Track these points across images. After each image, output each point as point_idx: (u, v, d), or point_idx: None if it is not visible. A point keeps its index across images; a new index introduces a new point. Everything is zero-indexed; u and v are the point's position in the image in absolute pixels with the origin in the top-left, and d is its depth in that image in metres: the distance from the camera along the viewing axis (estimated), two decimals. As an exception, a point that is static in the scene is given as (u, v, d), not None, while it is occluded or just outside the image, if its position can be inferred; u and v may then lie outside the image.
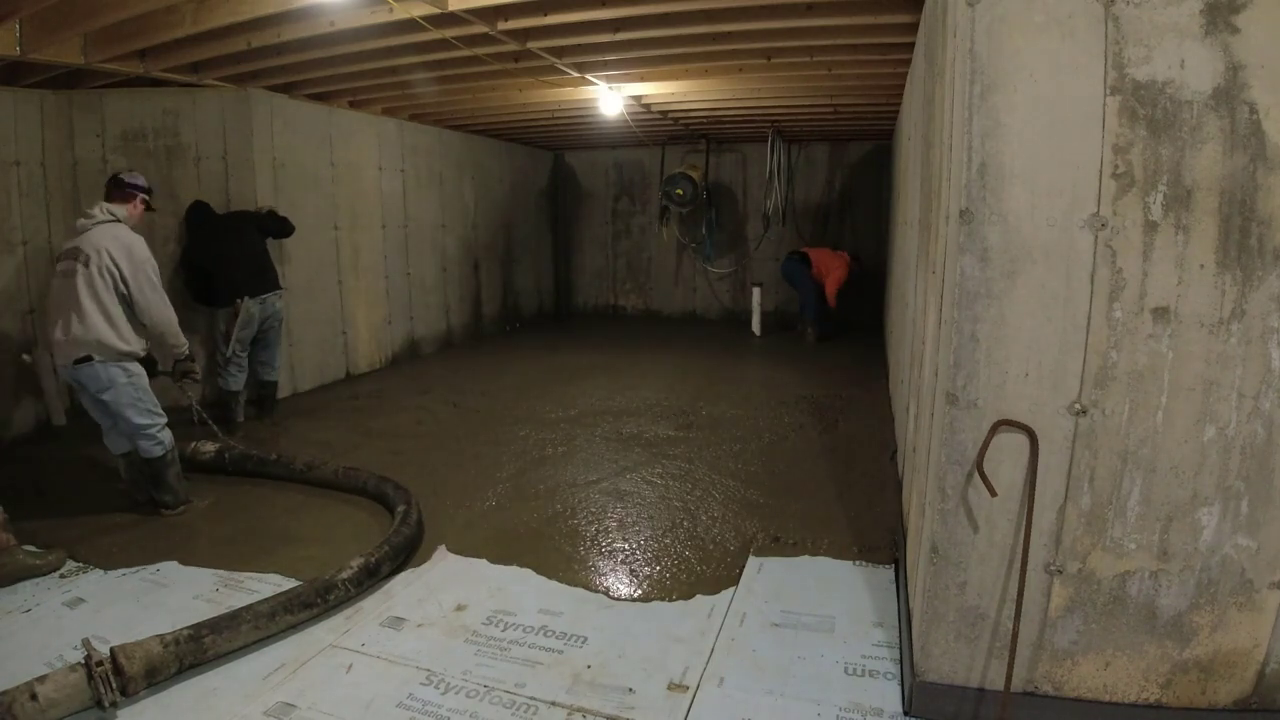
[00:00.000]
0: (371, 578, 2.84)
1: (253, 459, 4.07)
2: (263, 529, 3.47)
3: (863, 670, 2.36)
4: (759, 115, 6.94)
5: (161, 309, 3.43)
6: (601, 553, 3.20)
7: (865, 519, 3.47)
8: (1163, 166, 1.69)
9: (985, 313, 1.83)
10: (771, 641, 2.53)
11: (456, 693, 2.27)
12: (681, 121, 7.43)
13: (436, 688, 2.29)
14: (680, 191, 8.48)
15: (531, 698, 2.25)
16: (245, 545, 3.29)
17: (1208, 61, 1.64)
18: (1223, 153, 1.66)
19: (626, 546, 3.25)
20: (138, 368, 3.42)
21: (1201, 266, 1.71)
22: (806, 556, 3.13)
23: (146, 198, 3.58)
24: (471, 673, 2.37)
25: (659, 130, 8.00)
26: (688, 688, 2.30)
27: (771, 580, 2.94)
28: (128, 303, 3.33)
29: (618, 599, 2.84)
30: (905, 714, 2.14)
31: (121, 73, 4.45)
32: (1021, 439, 1.86)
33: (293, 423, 5.11)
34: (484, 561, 3.13)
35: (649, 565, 3.09)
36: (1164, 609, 1.88)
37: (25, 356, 3.90)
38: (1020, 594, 1.87)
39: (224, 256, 4.76)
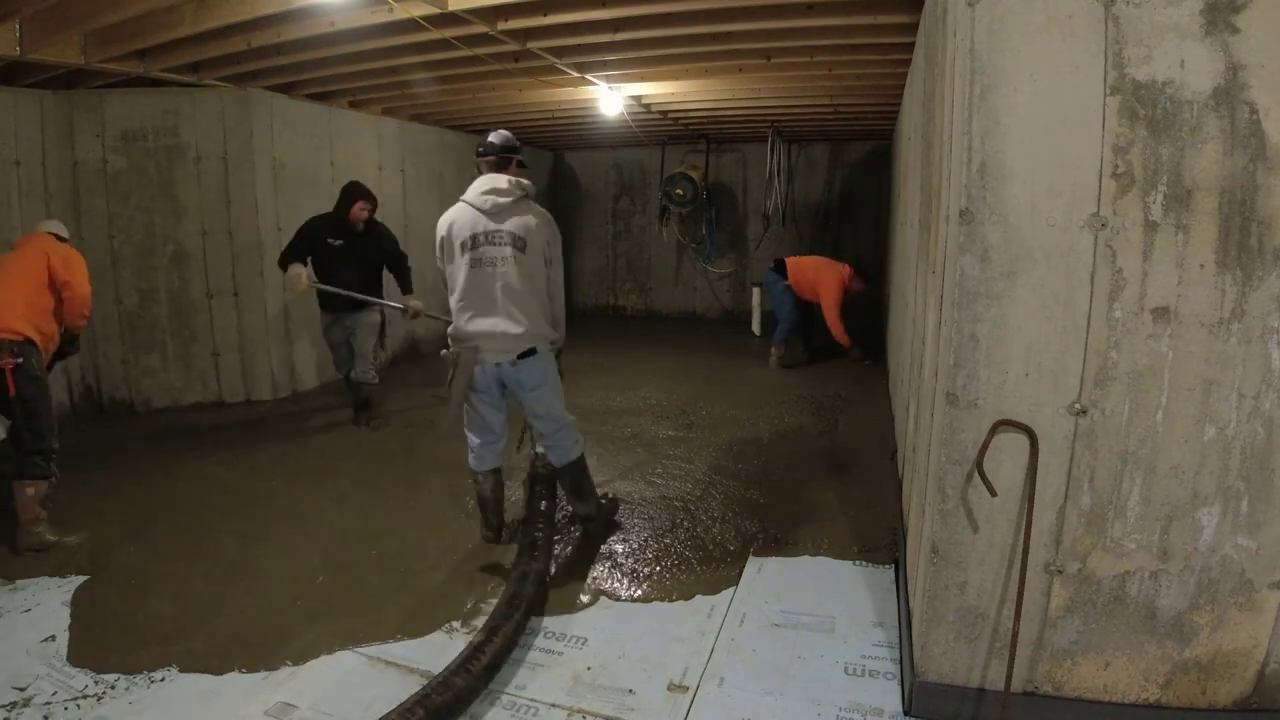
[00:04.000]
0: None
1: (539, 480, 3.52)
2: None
3: (863, 670, 2.36)
4: (759, 115, 6.93)
5: (561, 294, 3.13)
6: (601, 554, 3.20)
7: (865, 519, 3.47)
8: (1163, 166, 1.69)
9: (985, 313, 1.83)
10: (771, 642, 2.53)
11: (456, 693, 2.27)
12: (681, 121, 7.42)
13: (436, 688, 2.29)
14: (680, 191, 8.47)
15: (532, 699, 2.25)
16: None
17: (1208, 61, 1.64)
18: (1223, 153, 1.66)
19: (626, 547, 3.25)
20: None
21: (1201, 266, 1.71)
22: (807, 557, 3.13)
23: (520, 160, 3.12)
24: (471, 673, 2.37)
25: (659, 130, 7.99)
26: (688, 688, 2.30)
27: (771, 580, 2.94)
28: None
29: (618, 599, 2.84)
30: (905, 714, 2.14)
31: (121, 73, 4.45)
32: (1021, 439, 1.86)
33: (302, 419, 5.11)
34: (484, 561, 3.13)
35: (649, 565, 3.08)
36: (1164, 609, 1.88)
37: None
38: (1020, 594, 1.87)
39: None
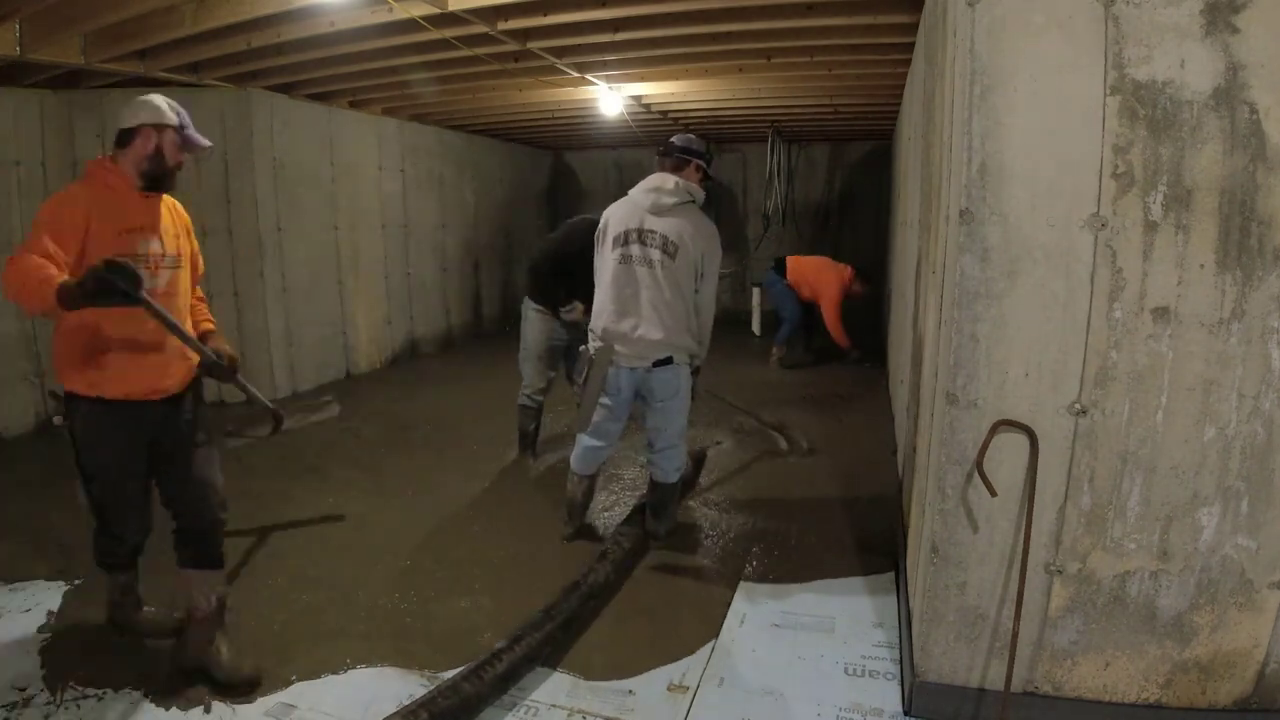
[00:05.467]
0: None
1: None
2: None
3: (863, 670, 2.36)
4: (759, 115, 6.94)
5: (711, 310, 3.02)
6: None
7: (866, 518, 3.47)
8: (1163, 166, 1.69)
9: (985, 313, 1.83)
10: (771, 642, 2.53)
11: (456, 693, 2.26)
12: (681, 121, 7.42)
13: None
14: (680, 191, 8.47)
15: (533, 700, 2.25)
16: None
17: (1208, 61, 1.64)
18: (1223, 153, 1.66)
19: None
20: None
21: (1201, 266, 1.71)
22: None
23: (702, 166, 3.00)
24: (471, 673, 2.36)
25: (659, 130, 7.99)
26: (688, 688, 2.29)
27: (771, 581, 2.94)
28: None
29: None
30: (905, 714, 2.14)
31: (121, 73, 4.45)
32: (1021, 439, 1.85)
33: (302, 419, 5.10)
34: (484, 561, 3.13)
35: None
36: (1164, 609, 1.88)
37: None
38: (1020, 594, 1.87)
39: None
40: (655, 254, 2.83)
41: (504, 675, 2.20)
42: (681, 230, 2.84)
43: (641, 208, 2.88)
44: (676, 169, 2.95)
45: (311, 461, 4.32)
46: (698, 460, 3.44)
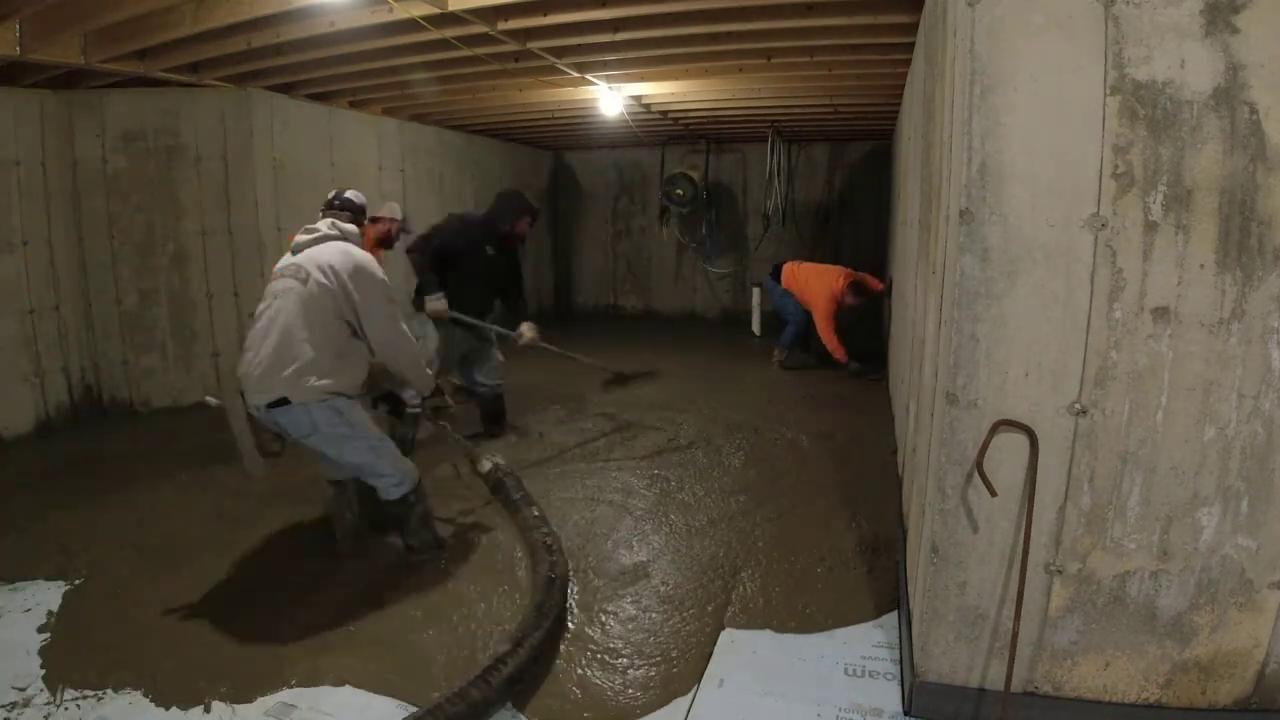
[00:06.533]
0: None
1: (505, 487, 3.55)
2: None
3: (863, 671, 2.36)
4: (759, 115, 6.93)
5: (400, 342, 2.90)
6: (602, 555, 3.20)
7: (866, 518, 3.47)
8: (1163, 166, 1.69)
9: (985, 313, 1.83)
10: (771, 642, 2.53)
11: (456, 693, 2.26)
12: (681, 121, 7.42)
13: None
14: (680, 191, 8.47)
15: (531, 698, 2.25)
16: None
17: (1208, 61, 1.64)
18: (1223, 153, 1.66)
19: (625, 545, 3.25)
20: (350, 403, 2.81)
21: (1201, 266, 1.71)
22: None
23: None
24: (471, 673, 2.36)
25: (659, 130, 7.99)
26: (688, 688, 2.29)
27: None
28: (352, 330, 2.80)
29: (618, 599, 2.84)
30: (905, 714, 2.14)
31: (121, 73, 4.45)
32: (1021, 439, 1.85)
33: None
34: (484, 561, 3.12)
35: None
36: (1164, 609, 1.88)
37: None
38: (1020, 594, 1.87)
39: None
40: (294, 284, 2.74)
41: (511, 678, 2.19)
42: (319, 259, 2.76)
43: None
44: (331, 211, 2.97)
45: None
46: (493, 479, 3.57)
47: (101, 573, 2.99)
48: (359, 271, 2.77)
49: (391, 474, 2.93)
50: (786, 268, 6.62)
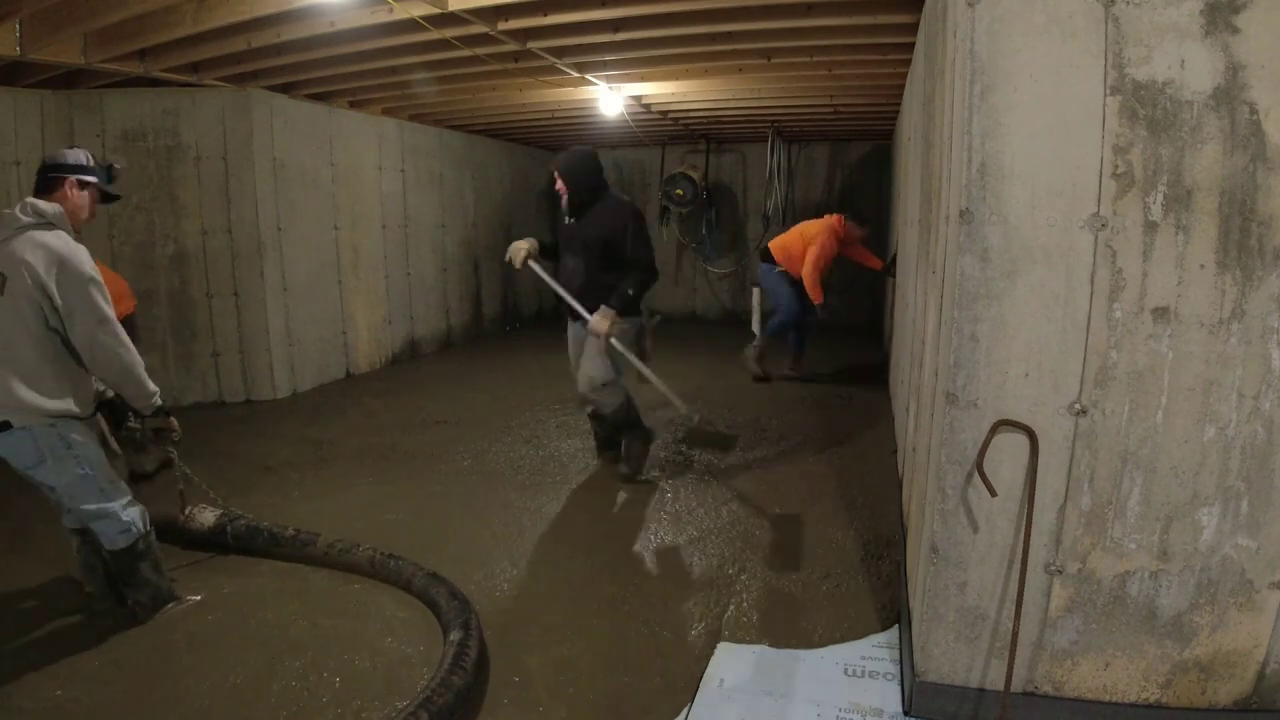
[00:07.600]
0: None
1: (263, 534, 3.09)
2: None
3: (863, 670, 2.36)
4: (759, 115, 6.94)
5: (113, 350, 2.40)
6: (604, 557, 3.20)
7: (866, 518, 3.47)
8: (1163, 166, 1.69)
9: (985, 313, 1.83)
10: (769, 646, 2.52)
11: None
12: (681, 121, 7.43)
13: (436, 688, 2.28)
14: (680, 191, 8.48)
15: (531, 698, 2.25)
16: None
17: (1208, 61, 1.64)
18: (1223, 153, 1.66)
19: (625, 546, 3.25)
20: (81, 432, 2.43)
21: (1201, 266, 1.71)
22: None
23: (85, 180, 2.42)
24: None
25: (659, 130, 8.00)
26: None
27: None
28: (63, 340, 2.35)
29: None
30: (905, 714, 2.14)
31: (121, 73, 4.45)
32: (1021, 439, 1.85)
33: (302, 420, 5.11)
34: (484, 561, 3.12)
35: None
36: (1164, 609, 1.88)
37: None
38: (1020, 594, 1.87)
39: None
40: None
41: (480, 661, 2.28)
42: (17, 255, 2.24)
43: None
44: (35, 190, 2.39)
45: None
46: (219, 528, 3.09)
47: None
48: (62, 269, 2.27)
49: (121, 516, 2.50)
50: (774, 244, 6.03)
